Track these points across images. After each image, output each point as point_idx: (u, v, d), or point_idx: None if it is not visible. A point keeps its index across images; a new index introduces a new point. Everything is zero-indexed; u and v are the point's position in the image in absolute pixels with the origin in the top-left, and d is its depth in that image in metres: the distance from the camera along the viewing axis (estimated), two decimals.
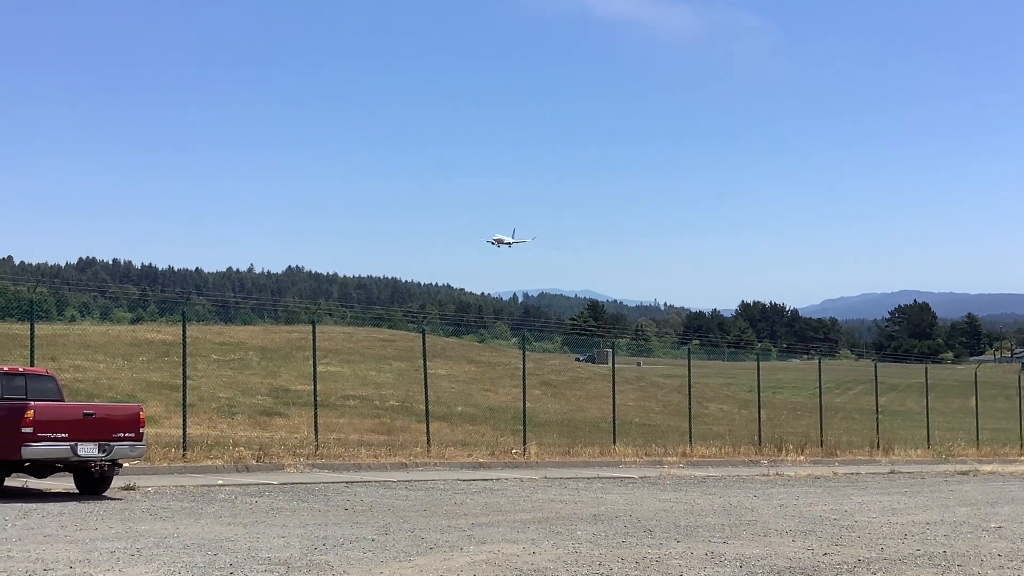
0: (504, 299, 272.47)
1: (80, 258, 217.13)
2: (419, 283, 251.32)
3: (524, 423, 30.95)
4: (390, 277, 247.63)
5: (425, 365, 31.45)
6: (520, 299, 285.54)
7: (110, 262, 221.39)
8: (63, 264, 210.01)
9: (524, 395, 31.83)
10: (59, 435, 16.38)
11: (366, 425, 35.16)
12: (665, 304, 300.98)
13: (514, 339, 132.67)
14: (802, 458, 33.94)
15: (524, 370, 32.71)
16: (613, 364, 37.97)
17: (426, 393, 30.63)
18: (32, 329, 24.02)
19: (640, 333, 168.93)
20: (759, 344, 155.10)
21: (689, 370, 40.80)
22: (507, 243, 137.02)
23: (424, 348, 32.29)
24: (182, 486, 19.23)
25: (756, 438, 36.44)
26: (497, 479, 23.56)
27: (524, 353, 35.33)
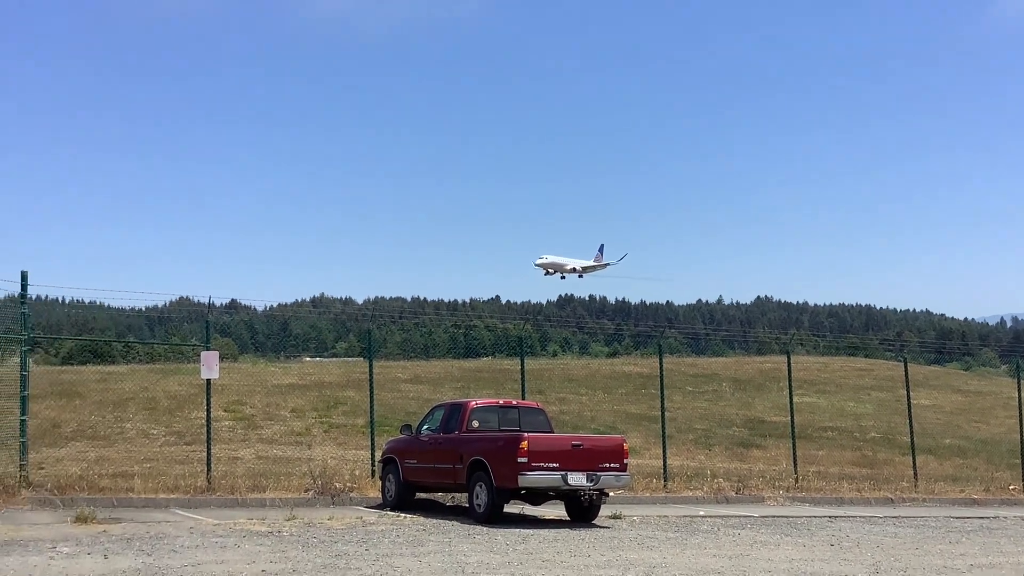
0: (990, 324, 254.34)
1: (559, 295, 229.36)
2: (895, 309, 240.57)
3: (1022, 457, 28.64)
4: (863, 304, 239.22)
5: (908, 395, 29.99)
6: (1008, 323, 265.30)
7: (586, 298, 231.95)
8: (544, 302, 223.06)
9: (1021, 426, 29.54)
10: (551, 465, 17.29)
11: (846, 458, 34.10)
12: None
13: (1004, 366, 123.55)
14: None
15: (1020, 400, 30.36)
16: None
17: (910, 424, 29.22)
18: (522, 364, 25.60)
19: None
20: None
21: None
22: (572, 269, 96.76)
23: (907, 377, 30.80)
24: (664, 516, 19.60)
25: None
26: (995, 517, 21.96)
27: (1019, 381, 32.79)
